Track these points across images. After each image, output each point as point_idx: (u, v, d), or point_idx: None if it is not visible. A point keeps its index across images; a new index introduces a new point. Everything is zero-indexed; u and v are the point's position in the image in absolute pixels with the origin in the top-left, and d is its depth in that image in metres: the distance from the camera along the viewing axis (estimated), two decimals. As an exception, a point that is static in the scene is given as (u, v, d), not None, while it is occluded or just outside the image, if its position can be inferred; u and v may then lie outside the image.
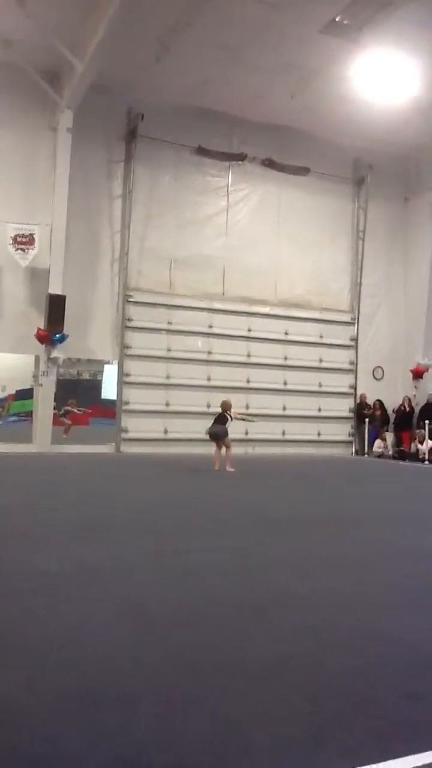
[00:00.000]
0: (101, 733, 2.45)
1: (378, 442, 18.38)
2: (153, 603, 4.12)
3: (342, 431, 18.91)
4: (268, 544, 6.20)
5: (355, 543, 6.46)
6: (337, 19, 12.96)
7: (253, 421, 14.71)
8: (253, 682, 2.96)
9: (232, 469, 12.29)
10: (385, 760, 2.32)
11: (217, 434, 12.50)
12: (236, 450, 13.70)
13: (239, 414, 13.47)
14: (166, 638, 3.51)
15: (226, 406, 12.74)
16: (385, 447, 18.33)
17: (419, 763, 2.32)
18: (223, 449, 12.56)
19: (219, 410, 12.80)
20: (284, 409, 17.78)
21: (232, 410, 12.79)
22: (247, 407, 16.55)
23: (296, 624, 3.81)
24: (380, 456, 18.09)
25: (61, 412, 21.89)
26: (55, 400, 16.60)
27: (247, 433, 16.61)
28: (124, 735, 2.44)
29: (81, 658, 3.17)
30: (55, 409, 16.63)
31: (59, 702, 2.69)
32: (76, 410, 23.03)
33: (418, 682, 3.08)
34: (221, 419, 12.58)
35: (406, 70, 14.31)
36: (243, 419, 13.90)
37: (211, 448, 13.68)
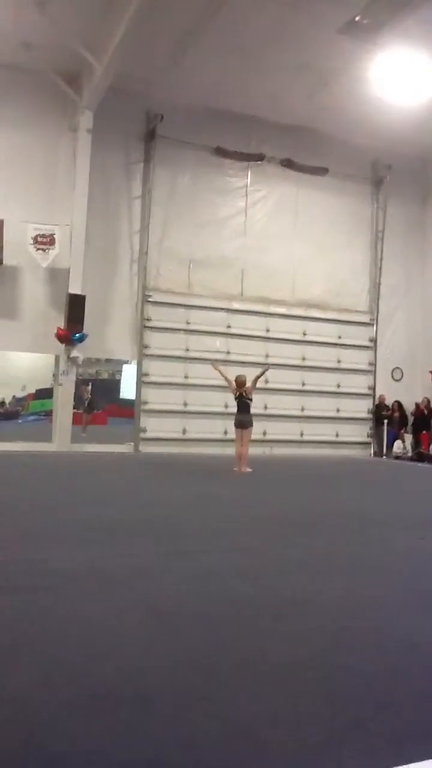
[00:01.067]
0: (119, 732, 2.48)
1: (397, 444, 18.29)
2: (169, 603, 4.14)
3: (360, 432, 18.85)
4: (285, 545, 6.20)
5: (373, 545, 6.45)
6: (356, 20, 12.90)
7: (268, 368, 13.78)
8: (270, 684, 2.98)
9: (249, 470, 12.25)
10: (403, 762, 2.33)
11: (244, 422, 12.39)
12: (254, 450, 13.70)
13: (256, 381, 12.66)
14: (181, 638, 3.53)
15: (241, 383, 12.35)
16: (404, 448, 18.24)
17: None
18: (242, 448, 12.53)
19: (236, 395, 12.45)
20: (302, 409, 17.76)
21: (249, 386, 12.39)
22: (266, 407, 16.55)
23: (313, 626, 3.81)
24: (398, 457, 18.01)
25: (85, 404, 21.94)
26: (74, 399, 16.70)
27: (265, 433, 16.63)
28: (142, 734, 2.47)
29: (97, 657, 3.20)
30: (75, 408, 16.73)
31: (76, 700, 2.73)
32: (87, 391, 23.03)
33: (435, 685, 3.08)
34: (245, 407, 12.42)
35: (425, 70, 14.22)
36: (262, 375, 12.93)
37: (228, 449, 13.73)
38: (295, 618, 3.97)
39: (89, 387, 24.04)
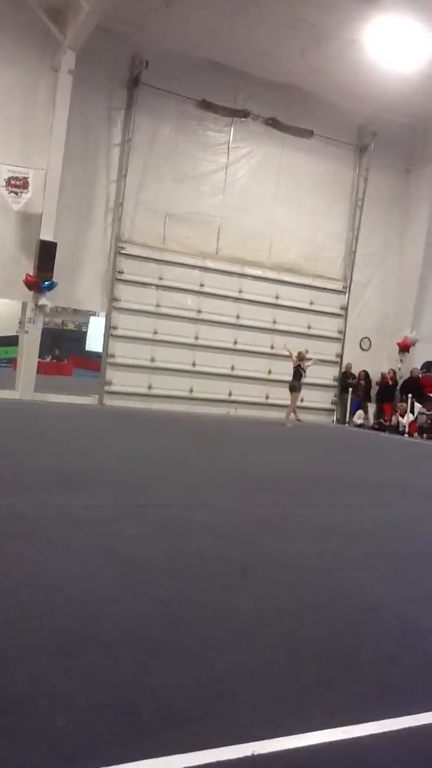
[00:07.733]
0: (83, 676, 2.45)
1: (359, 413, 18.47)
2: (136, 553, 4.11)
3: (325, 399, 18.96)
4: (253, 504, 6.22)
5: (338, 507, 6.51)
6: (353, -23, 12.63)
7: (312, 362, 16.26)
8: (237, 638, 2.97)
9: (289, 424, 15.05)
10: (364, 719, 2.34)
11: (295, 386, 15.65)
12: (218, 410, 13.84)
13: (308, 364, 15.86)
14: (148, 589, 3.51)
15: (301, 357, 15.68)
16: (366, 418, 18.42)
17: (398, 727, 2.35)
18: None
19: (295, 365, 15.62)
20: (269, 372, 17.75)
21: (305, 363, 15.49)
22: (232, 368, 16.54)
23: (280, 583, 3.84)
24: (360, 426, 18.20)
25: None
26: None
27: (230, 394, 16.66)
28: (107, 680, 2.44)
29: (62, 604, 3.16)
30: (40, 357, 16.47)
31: (41, 644, 2.68)
32: None
33: (397, 645, 3.12)
34: (297, 375, 15.55)
35: (419, 37, 13.98)
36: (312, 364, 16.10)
37: (194, 407, 13.78)
38: (262, 574, 3.99)
39: None
